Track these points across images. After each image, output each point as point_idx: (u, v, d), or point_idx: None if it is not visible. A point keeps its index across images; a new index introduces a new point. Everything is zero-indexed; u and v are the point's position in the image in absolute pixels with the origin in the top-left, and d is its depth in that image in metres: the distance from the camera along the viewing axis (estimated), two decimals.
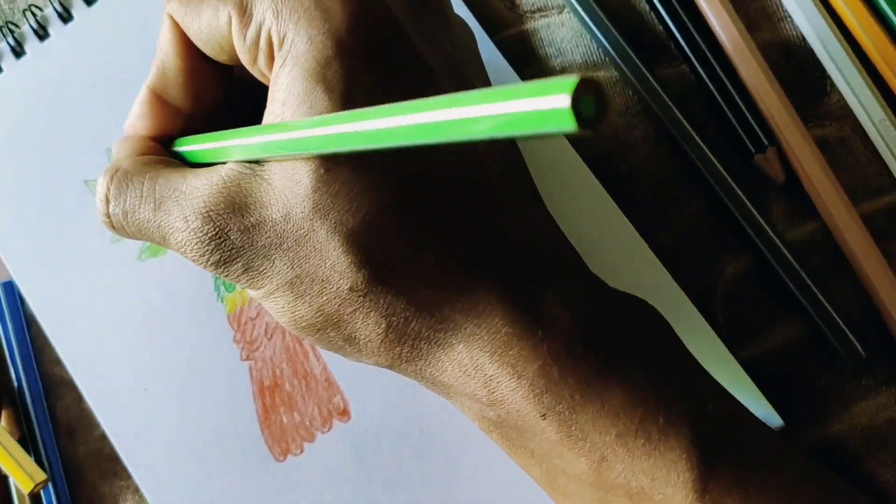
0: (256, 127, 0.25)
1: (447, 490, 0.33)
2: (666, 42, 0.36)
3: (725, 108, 0.35)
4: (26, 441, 0.35)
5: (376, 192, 0.24)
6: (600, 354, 0.25)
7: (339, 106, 0.24)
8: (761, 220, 0.34)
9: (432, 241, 0.25)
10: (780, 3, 0.36)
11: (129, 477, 0.34)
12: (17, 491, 0.35)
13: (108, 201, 0.28)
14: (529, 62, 0.37)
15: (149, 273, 0.35)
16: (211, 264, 0.26)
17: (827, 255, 0.34)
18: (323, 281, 0.25)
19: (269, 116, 0.25)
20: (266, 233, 0.25)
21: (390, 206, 0.24)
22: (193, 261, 0.26)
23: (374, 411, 0.34)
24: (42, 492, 0.35)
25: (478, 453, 0.33)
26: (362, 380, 0.34)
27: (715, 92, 0.35)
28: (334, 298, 0.25)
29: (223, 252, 0.25)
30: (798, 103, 0.35)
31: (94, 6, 0.38)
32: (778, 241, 0.34)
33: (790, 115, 0.35)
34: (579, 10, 0.36)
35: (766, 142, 0.35)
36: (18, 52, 0.37)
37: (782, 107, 0.35)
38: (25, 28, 0.38)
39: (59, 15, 0.38)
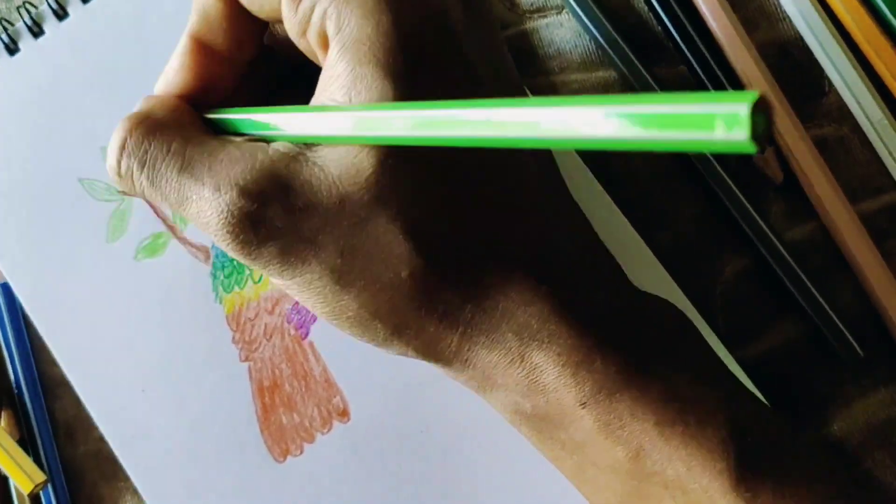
0: (330, 106, 0.24)
1: (447, 490, 0.33)
2: (664, 42, 0.36)
3: None
4: (25, 442, 0.35)
5: (437, 185, 0.24)
6: (639, 349, 0.25)
7: (407, 99, 0.23)
8: (760, 221, 0.34)
9: (487, 234, 0.25)
10: (778, 3, 0.36)
11: (128, 478, 0.34)
12: (17, 492, 0.35)
13: (123, 148, 0.26)
14: (529, 62, 0.36)
15: (146, 273, 0.35)
16: (238, 243, 0.24)
17: (825, 255, 0.35)
18: (377, 269, 0.24)
19: (327, 102, 0.24)
20: (315, 218, 0.24)
21: (449, 199, 0.24)
22: (215, 235, 0.25)
23: (373, 412, 0.34)
24: (41, 493, 0.35)
25: (478, 453, 0.33)
26: (362, 380, 0.34)
27: None
28: (388, 287, 0.24)
29: (257, 231, 0.24)
30: (796, 103, 0.35)
31: (90, 3, 0.37)
32: (776, 242, 0.34)
33: (788, 115, 0.35)
34: (577, 10, 0.36)
35: None
36: (13, 49, 0.37)
37: (780, 107, 0.35)
38: (20, 25, 0.37)
39: (55, 12, 0.37)
